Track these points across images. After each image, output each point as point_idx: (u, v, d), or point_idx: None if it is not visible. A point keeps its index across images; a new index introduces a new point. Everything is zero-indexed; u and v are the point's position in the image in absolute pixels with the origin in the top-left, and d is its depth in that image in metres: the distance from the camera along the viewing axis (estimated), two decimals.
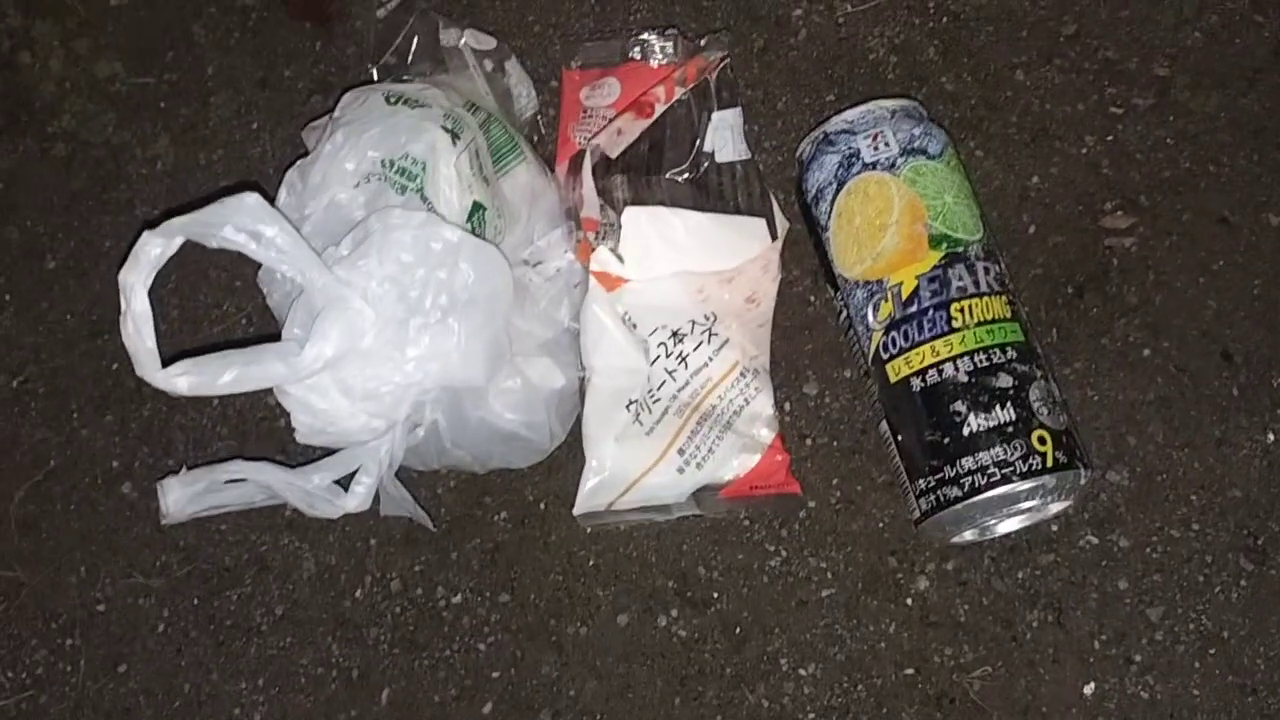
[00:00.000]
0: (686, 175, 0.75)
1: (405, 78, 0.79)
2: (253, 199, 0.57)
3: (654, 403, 0.69)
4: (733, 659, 0.69)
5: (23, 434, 0.76)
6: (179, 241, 0.57)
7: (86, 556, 0.73)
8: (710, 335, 0.71)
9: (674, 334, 0.71)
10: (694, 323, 0.71)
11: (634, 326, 0.70)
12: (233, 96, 0.84)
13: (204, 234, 0.57)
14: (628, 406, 0.69)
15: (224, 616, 0.71)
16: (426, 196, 0.64)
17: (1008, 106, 0.81)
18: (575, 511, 0.69)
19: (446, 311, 0.60)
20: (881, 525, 0.71)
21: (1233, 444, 0.71)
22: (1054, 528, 0.70)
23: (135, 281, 0.56)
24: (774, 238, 0.73)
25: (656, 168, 0.75)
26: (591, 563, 0.71)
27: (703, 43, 0.77)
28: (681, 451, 0.69)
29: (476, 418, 0.65)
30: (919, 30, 0.83)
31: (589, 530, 0.71)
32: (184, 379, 0.56)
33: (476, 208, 0.66)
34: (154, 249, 0.57)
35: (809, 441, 0.73)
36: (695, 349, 0.71)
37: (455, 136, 0.66)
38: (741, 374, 0.71)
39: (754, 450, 0.70)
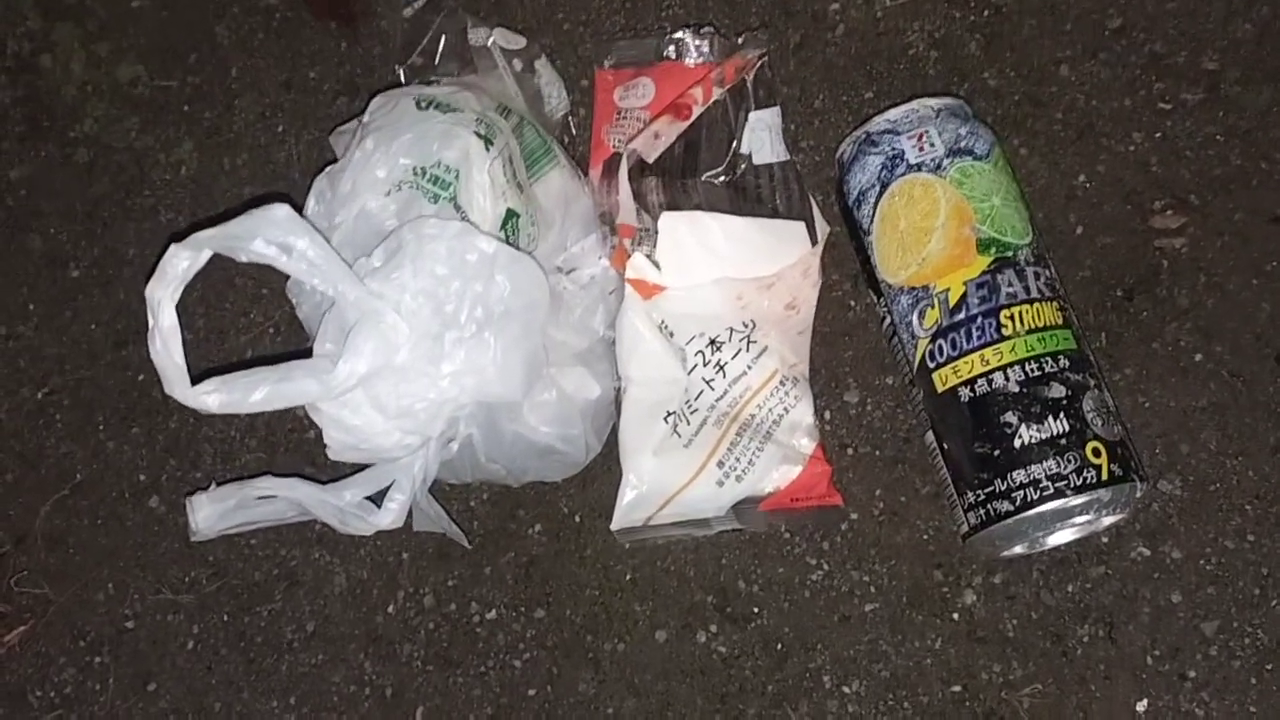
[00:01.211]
0: (723, 178, 0.73)
1: (433, 79, 0.77)
2: (282, 211, 0.55)
3: (692, 413, 0.68)
4: (774, 676, 0.67)
5: (48, 447, 0.74)
6: (207, 255, 0.56)
7: (114, 572, 0.71)
8: (749, 343, 0.69)
9: (712, 342, 0.69)
10: (732, 330, 0.69)
11: (671, 335, 0.68)
12: (257, 99, 0.83)
13: (233, 247, 0.55)
14: (665, 418, 0.67)
15: (254, 633, 0.70)
16: (460, 205, 0.62)
17: (1052, 103, 0.79)
18: (613, 527, 0.67)
19: (482, 325, 0.59)
20: (926, 537, 0.69)
21: None
22: (1104, 539, 0.68)
23: (163, 296, 0.55)
24: (814, 242, 0.71)
25: (692, 170, 0.73)
26: (629, 577, 0.69)
27: (740, 41, 0.75)
28: (721, 464, 0.67)
29: (511, 431, 0.63)
30: (960, 24, 0.81)
31: (626, 545, 0.69)
32: (214, 397, 0.55)
33: (510, 215, 0.64)
34: (181, 262, 0.55)
35: (850, 451, 0.71)
36: (734, 357, 0.69)
37: (488, 142, 0.64)
38: (781, 382, 0.69)
39: (795, 462, 0.68)
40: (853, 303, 0.75)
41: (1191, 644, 0.66)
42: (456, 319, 0.58)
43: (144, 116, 0.83)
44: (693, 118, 0.72)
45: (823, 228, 0.72)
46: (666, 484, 0.67)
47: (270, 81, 0.83)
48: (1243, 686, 0.65)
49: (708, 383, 0.68)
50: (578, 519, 0.71)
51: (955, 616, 0.68)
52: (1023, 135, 0.78)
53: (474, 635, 0.68)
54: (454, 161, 0.62)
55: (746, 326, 0.69)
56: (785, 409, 0.69)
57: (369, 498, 0.62)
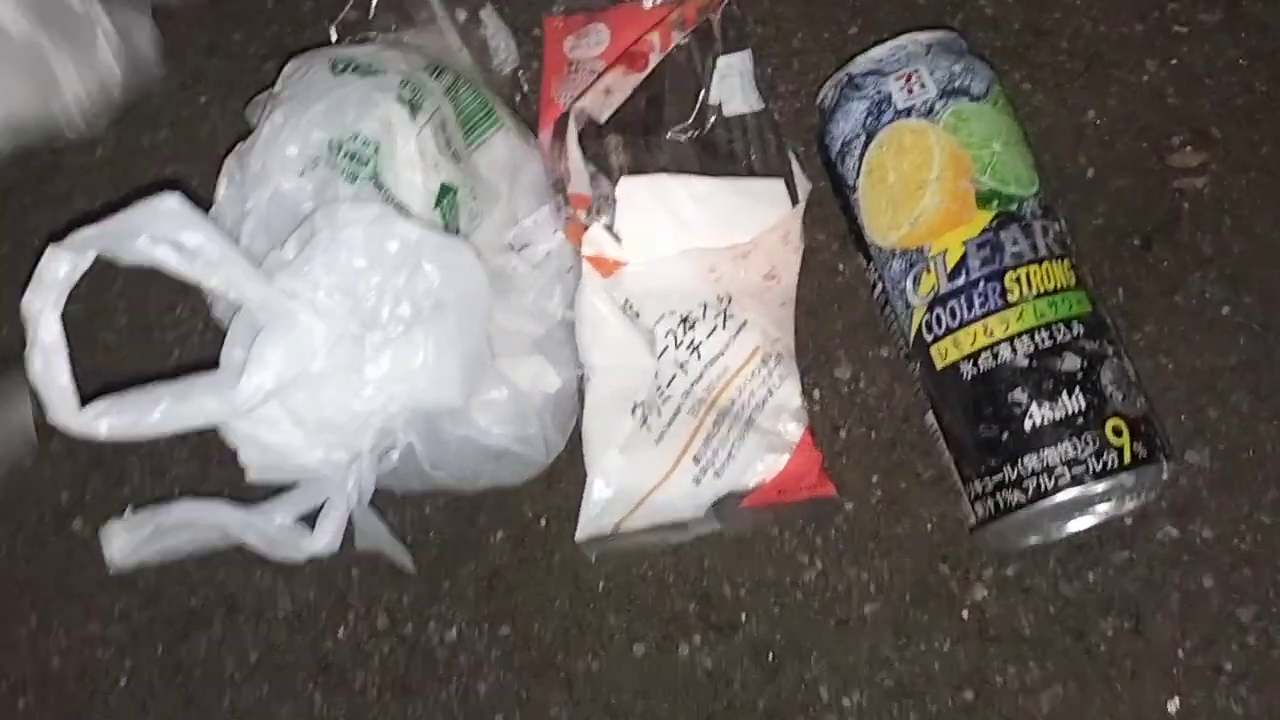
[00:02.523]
0: (691, 133, 0.65)
1: (368, 35, 0.70)
2: (171, 201, 0.48)
3: (664, 402, 0.61)
4: (766, 690, 0.61)
5: None
6: (91, 255, 0.48)
7: (36, 604, 0.65)
8: (725, 318, 0.62)
9: (683, 320, 0.61)
10: (706, 305, 0.62)
11: (637, 315, 0.61)
12: (177, 68, 0.75)
13: (115, 247, 0.48)
14: (633, 410, 0.60)
15: (192, 665, 0.63)
16: (383, 183, 0.54)
17: (1056, 30, 0.71)
18: (578, 537, 0.60)
19: (410, 323, 0.51)
20: (930, 527, 0.63)
21: None
22: (1127, 520, 0.62)
23: (43, 307, 0.48)
24: (794, 202, 0.64)
25: (656, 127, 0.65)
26: (601, 586, 0.63)
27: None
28: (697, 459, 0.60)
29: (458, 436, 0.56)
30: None
31: (593, 557, 0.63)
32: (104, 421, 0.48)
33: (445, 191, 0.56)
34: (61, 266, 0.48)
35: (843, 433, 0.65)
36: (709, 336, 0.61)
37: (415, 108, 0.56)
38: (763, 361, 0.62)
39: (780, 450, 0.61)
40: (841, 265, 0.68)
41: (1226, 633, 0.60)
42: (378, 317, 0.51)
43: None
44: (648, 68, 0.64)
45: (804, 185, 0.65)
46: (637, 485, 0.60)
47: (192, 47, 0.76)
48: None
49: (680, 366, 0.61)
50: (543, 523, 0.64)
51: (965, 614, 0.61)
52: (1025, 68, 0.70)
53: (433, 658, 0.62)
54: (373, 133, 0.55)
55: (721, 300, 0.62)
56: (769, 391, 0.62)
57: (302, 518, 0.55)
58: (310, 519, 0.55)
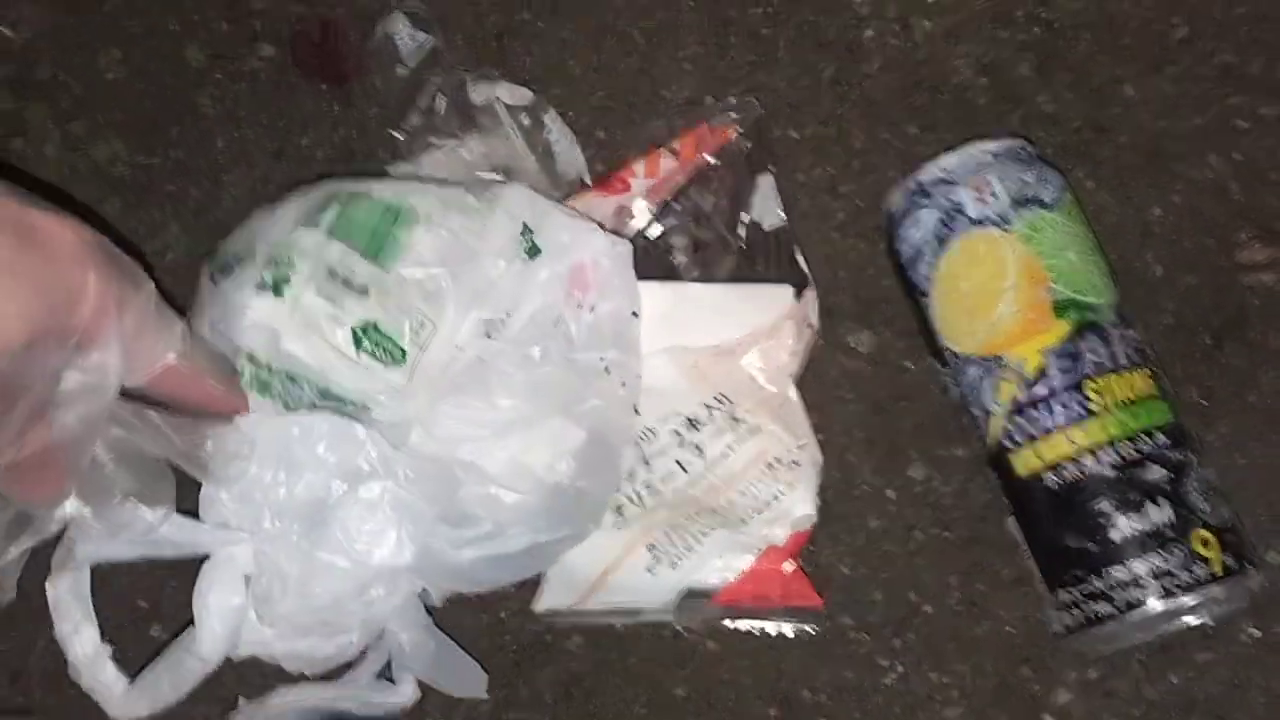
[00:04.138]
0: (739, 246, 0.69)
1: (434, 141, 0.71)
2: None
3: (650, 495, 0.62)
4: None
5: (40, 579, 0.68)
6: (86, 571, 0.58)
7: None
8: (735, 422, 0.63)
9: (689, 421, 0.63)
10: (710, 408, 0.63)
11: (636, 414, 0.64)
12: (246, 173, 0.76)
13: (96, 554, 0.57)
14: None
15: None
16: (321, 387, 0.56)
17: (1116, 126, 0.71)
18: (534, 606, 0.63)
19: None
20: (1011, 629, 0.62)
21: None
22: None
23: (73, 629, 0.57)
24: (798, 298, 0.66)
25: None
26: (680, 691, 0.63)
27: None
28: (652, 547, 0.61)
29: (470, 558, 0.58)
30: (1008, 45, 0.73)
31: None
32: (143, 704, 0.56)
33: (362, 333, 0.55)
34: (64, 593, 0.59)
35: (918, 534, 0.64)
36: (714, 438, 0.63)
37: (280, 282, 0.56)
38: (769, 466, 0.63)
39: (747, 550, 0.61)
40: (909, 363, 0.68)
41: None
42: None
43: (125, 199, 0.76)
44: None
45: (782, 291, 0.66)
46: (589, 566, 0.61)
47: (259, 152, 0.77)
48: None
49: (681, 465, 0.63)
50: (618, 626, 0.64)
51: (1048, 718, 0.61)
52: (1087, 165, 0.70)
53: None
54: (262, 345, 0.55)
55: (723, 402, 0.64)
56: (774, 496, 0.62)
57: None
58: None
